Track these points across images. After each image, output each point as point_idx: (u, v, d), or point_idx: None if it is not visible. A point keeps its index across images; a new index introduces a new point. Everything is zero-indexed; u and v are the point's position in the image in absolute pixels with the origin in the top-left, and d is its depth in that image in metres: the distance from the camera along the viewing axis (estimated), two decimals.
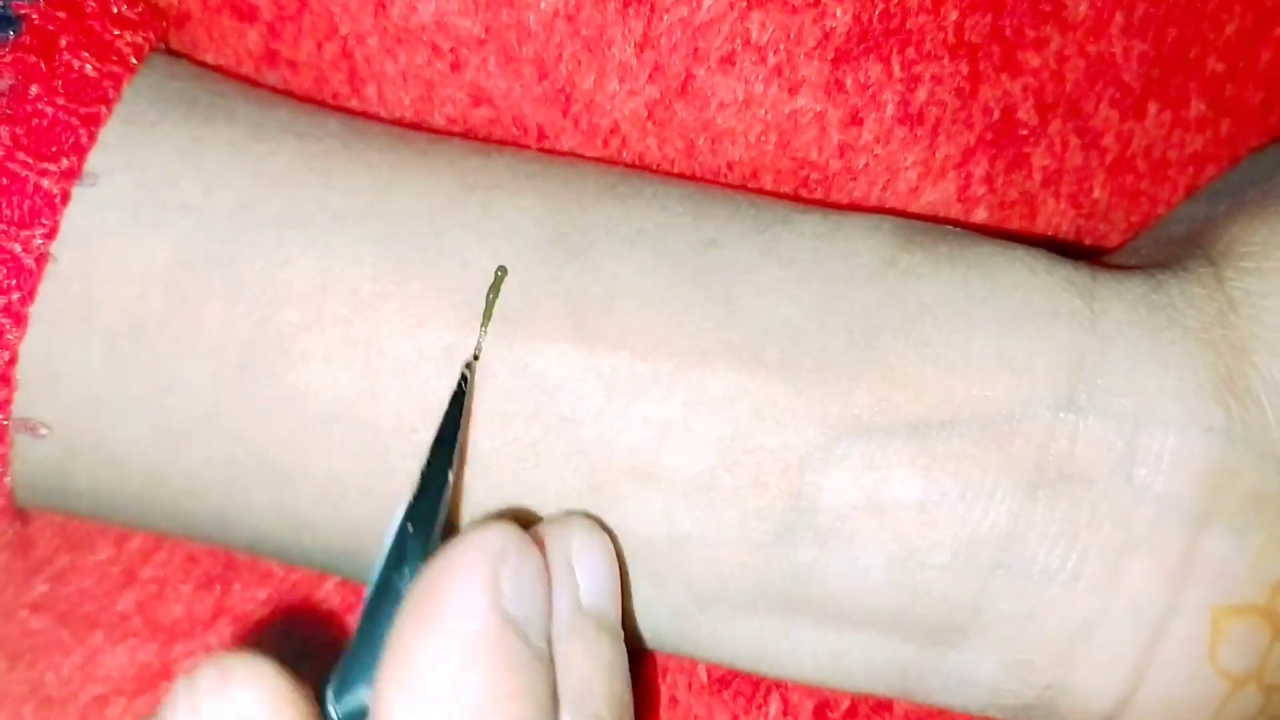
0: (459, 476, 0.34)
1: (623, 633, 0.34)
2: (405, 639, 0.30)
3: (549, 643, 0.32)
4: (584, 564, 0.34)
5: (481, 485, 0.35)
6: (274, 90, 0.40)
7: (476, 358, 0.34)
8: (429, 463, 0.33)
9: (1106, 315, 0.35)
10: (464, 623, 0.30)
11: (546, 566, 0.32)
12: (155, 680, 0.39)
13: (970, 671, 0.35)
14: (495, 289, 0.34)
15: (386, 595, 0.32)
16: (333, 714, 0.31)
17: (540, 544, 0.33)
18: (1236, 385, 0.34)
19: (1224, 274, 0.36)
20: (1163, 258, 0.38)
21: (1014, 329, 0.35)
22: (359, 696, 0.31)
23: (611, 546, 0.34)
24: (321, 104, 0.40)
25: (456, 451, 0.34)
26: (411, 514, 0.33)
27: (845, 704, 0.40)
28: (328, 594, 0.41)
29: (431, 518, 0.33)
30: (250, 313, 0.34)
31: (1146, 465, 0.34)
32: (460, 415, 0.34)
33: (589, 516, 0.34)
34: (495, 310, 0.34)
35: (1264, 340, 0.35)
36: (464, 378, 0.34)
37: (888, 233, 0.36)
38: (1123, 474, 0.34)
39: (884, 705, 0.40)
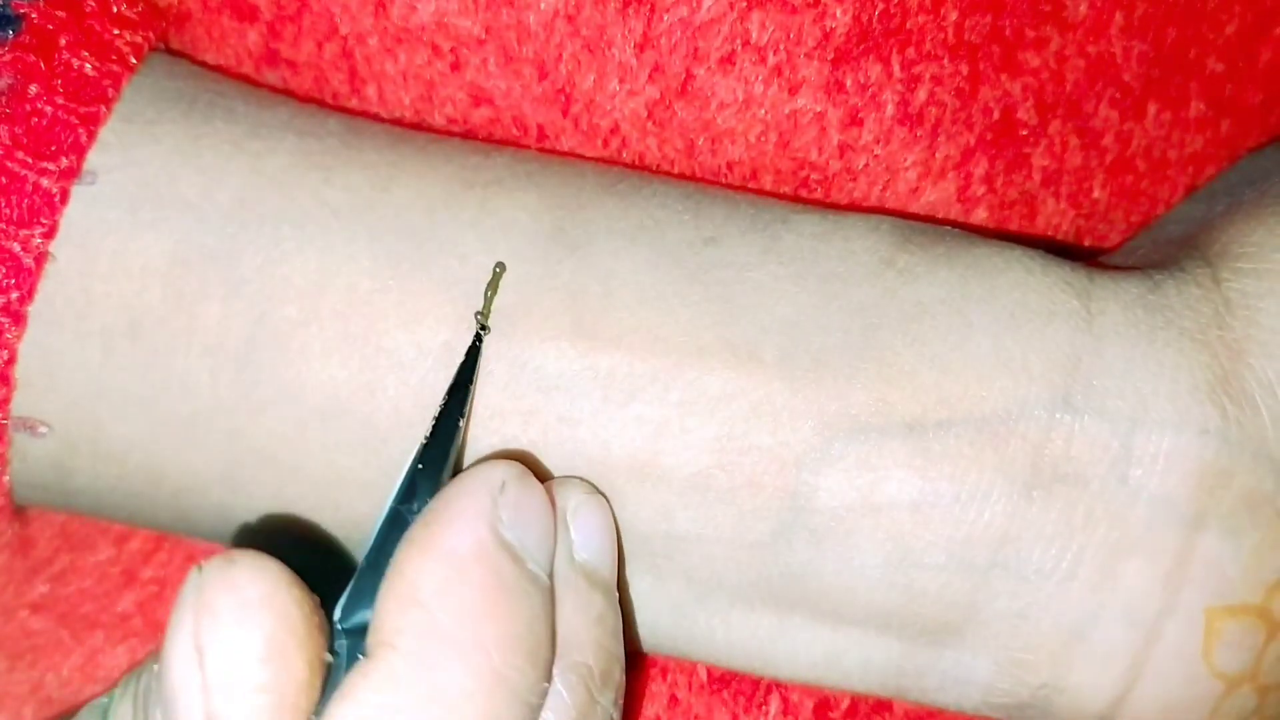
0: (468, 426, 0.35)
1: (616, 593, 0.34)
2: (404, 558, 0.31)
3: (551, 577, 0.33)
4: (580, 521, 0.34)
5: None
6: (274, 90, 0.40)
7: (484, 328, 0.34)
8: (442, 409, 0.34)
9: (1103, 316, 0.35)
10: (459, 540, 0.31)
11: (549, 505, 0.33)
12: None
13: (965, 670, 0.35)
14: (494, 285, 0.34)
15: (395, 526, 0.33)
16: (339, 630, 0.32)
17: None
18: (1232, 386, 0.34)
19: (1220, 275, 0.36)
20: (1160, 258, 0.38)
21: (1010, 329, 0.35)
22: (363, 617, 0.31)
23: (609, 510, 0.34)
24: (321, 104, 0.40)
25: (470, 400, 0.34)
26: (423, 454, 0.33)
27: (845, 703, 0.40)
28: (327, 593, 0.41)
29: (442, 460, 0.34)
30: (248, 309, 0.34)
31: (1142, 466, 0.34)
32: (475, 367, 0.34)
33: (588, 483, 0.35)
34: (493, 307, 0.34)
35: (1259, 342, 0.35)
36: (478, 335, 0.34)
37: (886, 233, 0.36)
38: (1118, 475, 0.34)
39: (884, 704, 0.40)
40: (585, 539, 0.34)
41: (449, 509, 0.31)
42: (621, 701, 0.34)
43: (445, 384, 0.34)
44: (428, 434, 0.34)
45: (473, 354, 0.34)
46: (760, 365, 0.34)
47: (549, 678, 0.32)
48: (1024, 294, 0.35)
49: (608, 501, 0.35)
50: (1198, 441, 0.34)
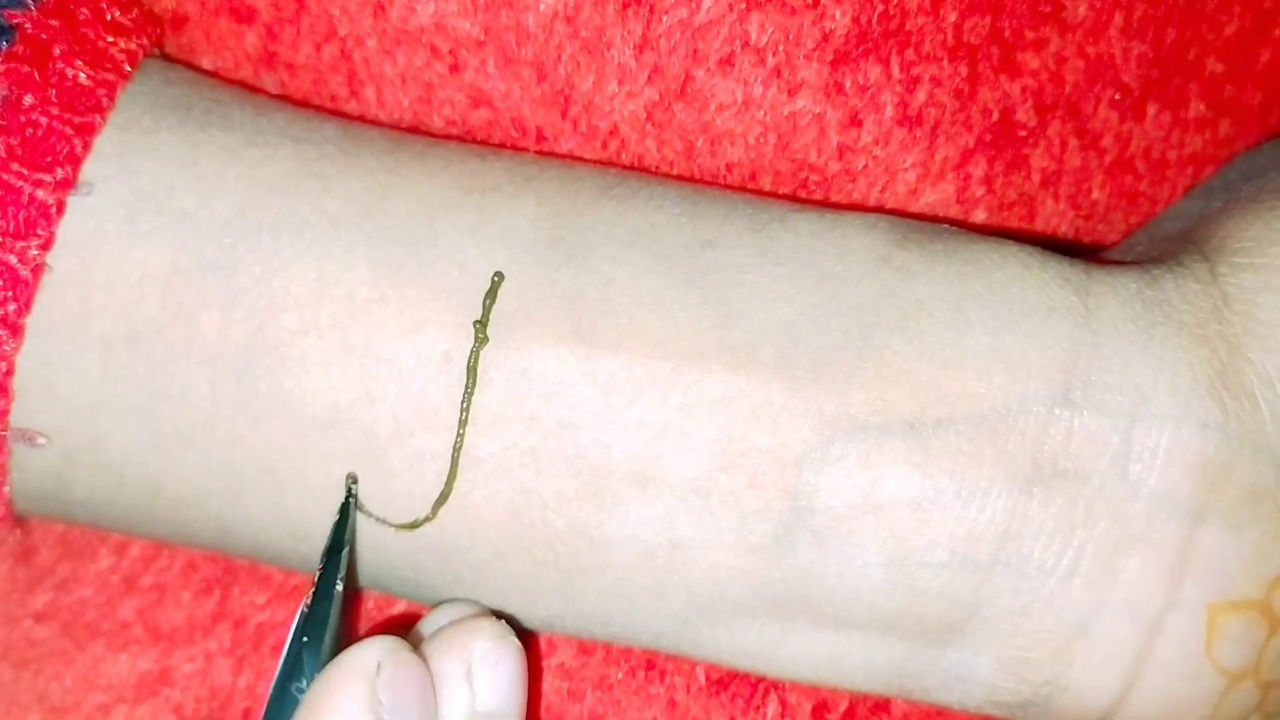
0: (351, 585, 0.35)
1: None
2: None
3: None
4: (483, 672, 0.34)
5: (480, 492, 0.35)
6: (272, 93, 0.40)
7: (484, 338, 0.34)
8: (320, 574, 0.34)
9: (1101, 311, 0.35)
10: None
11: (430, 676, 0.33)
12: (156, 687, 0.39)
13: (968, 669, 0.36)
14: (492, 295, 0.34)
15: (282, 705, 0.33)
16: None
17: (437, 651, 0.34)
18: (1231, 381, 0.34)
19: (1218, 269, 0.36)
20: (1158, 253, 0.38)
21: (1008, 325, 0.35)
22: None
23: (518, 652, 0.35)
24: (320, 106, 0.40)
25: (343, 561, 0.34)
26: (304, 627, 0.34)
27: (843, 705, 0.40)
28: None
29: (323, 628, 0.34)
30: (247, 319, 0.34)
31: (1142, 461, 0.34)
32: (347, 527, 0.35)
33: (499, 619, 0.35)
34: (492, 315, 0.34)
35: (1258, 336, 0.35)
36: (349, 490, 0.35)
37: (883, 230, 0.36)
38: (1118, 470, 0.34)
39: (882, 706, 0.40)
40: (488, 690, 0.34)
41: (329, 699, 0.32)
42: None
43: (445, 394, 0.34)
44: (306, 604, 0.34)
45: (344, 513, 0.35)
46: (759, 367, 0.34)
47: None
48: (1021, 290, 0.35)
49: (517, 643, 0.35)
50: (1198, 436, 0.34)
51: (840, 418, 0.34)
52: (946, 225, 0.38)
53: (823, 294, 0.35)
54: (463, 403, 0.34)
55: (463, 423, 0.34)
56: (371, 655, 0.32)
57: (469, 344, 0.34)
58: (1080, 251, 0.42)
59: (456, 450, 0.34)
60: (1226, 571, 0.34)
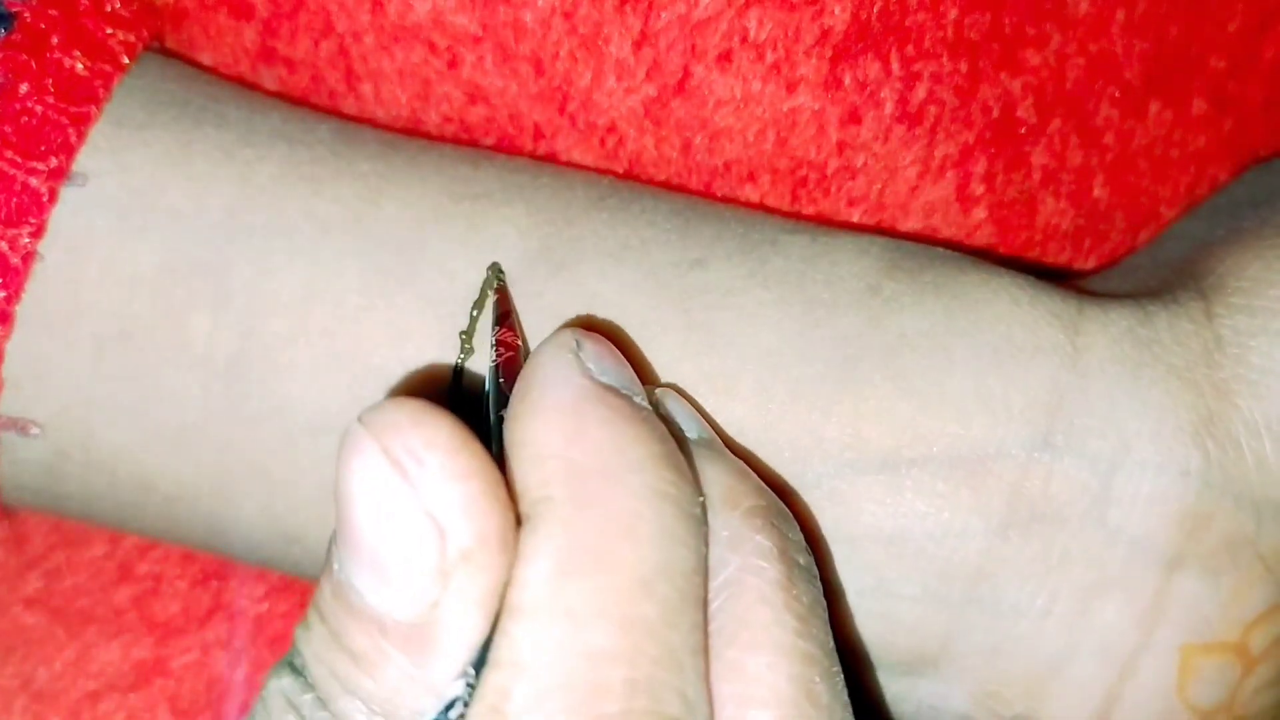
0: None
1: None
2: (517, 430, 0.30)
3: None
4: (670, 409, 0.33)
5: None
6: (269, 89, 0.40)
7: (469, 349, 0.34)
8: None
9: (1089, 351, 0.35)
10: (561, 393, 0.30)
11: (624, 360, 0.32)
12: (150, 676, 0.40)
13: (941, 700, 0.36)
14: (480, 306, 0.34)
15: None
16: None
17: None
18: (1217, 427, 0.34)
19: (1214, 309, 0.35)
20: (1156, 283, 0.37)
21: (993, 365, 0.34)
22: None
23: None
24: (318, 102, 0.40)
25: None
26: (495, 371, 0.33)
27: None
28: None
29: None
30: (237, 322, 0.34)
31: (1121, 507, 0.34)
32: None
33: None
34: (478, 327, 0.34)
35: (1248, 382, 0.34)
36: (459, 358, 0.34)
37: (875, 257, 0.36)
38: (1096, 515, 0.34)
39: None
40: (685, 424, 0.33)
41: (537, 374, 0.30)
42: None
43: None
44: (493, 358, 0.33)
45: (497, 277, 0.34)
46: (736, 399, 0.34)
47: (702, 493, 0.30)
48: (1009, 328, 0.35)
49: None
50: (1179, 483, 0.34)
51: (814, 451, 0.34)
52: (941, 249, 0.37)
53: (808, 321, 0.35)
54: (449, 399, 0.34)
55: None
56: (568, 336, 0.31)
57: (455, 355, 0.34)
58: (1080, 251, 0.42)
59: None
60: (1202, 615, 0.34)
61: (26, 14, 0.35)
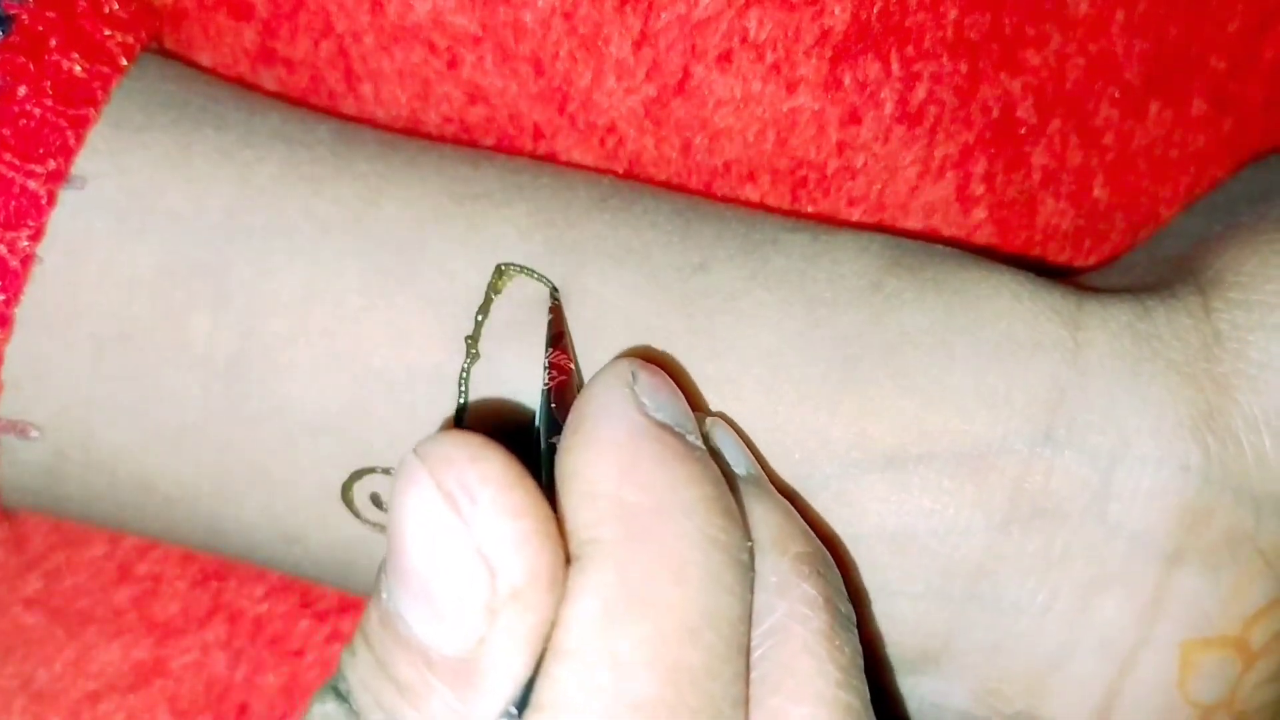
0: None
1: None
2: (569, 463, 0.30)
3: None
4: (719, 441, 0.33)
5: None
6: (269, 89, 0.40)
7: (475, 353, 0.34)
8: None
9: (1090, 347, 0.35)
10: (614, 429, 0.30)
11: (679, 390, 0.32)
12: (149, 677, 0.39)
13: (943, 696, 0.36)
14: (485, 310, 0.34)
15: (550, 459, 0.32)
16: None
17: None
18: (1216, 422, 0.34)
19: (1212, 304, 0.35)
20: (1154, 279, 0.37)
21: (995, 362, 0.34)
22: None
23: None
24: (317, 102, 0.40)
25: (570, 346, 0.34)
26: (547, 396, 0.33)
27: None
28: (325, 593, 0.41)
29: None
30: (236, 323, 0.34)
31: (1121, 502, 0.34)
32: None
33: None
34: (483, 330, 0.34)
35: (1247, 376, 0.34)
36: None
37: (875, 254, 0.36)
38: (1097, 510, 0.34)
39: None
40: (733, 457, 0.33)
41: (591, 407, 0.30)
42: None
43: (436, 407, 0.34)
44: (546, 382, 0.33)
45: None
46: (740, 402, 0.34)
47: (750, 539, 0.30)
48: (1010, 324, 0.35)
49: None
50: (1178, 478, 0.34)
51: (819, 452, 0.34)
52: (941, 247, 0.38)
53: (810, 321, 0.35)
54: (456, 415, 0.34)
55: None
56: (624, 366, 0.31)
57: (459, 357, 0.34)
58: (1080, 251, 0.42)
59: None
60: (1203, 611, 0.34)
61: (24, 16, 0.35)
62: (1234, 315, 0.35)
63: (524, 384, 0.34)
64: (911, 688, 0.36)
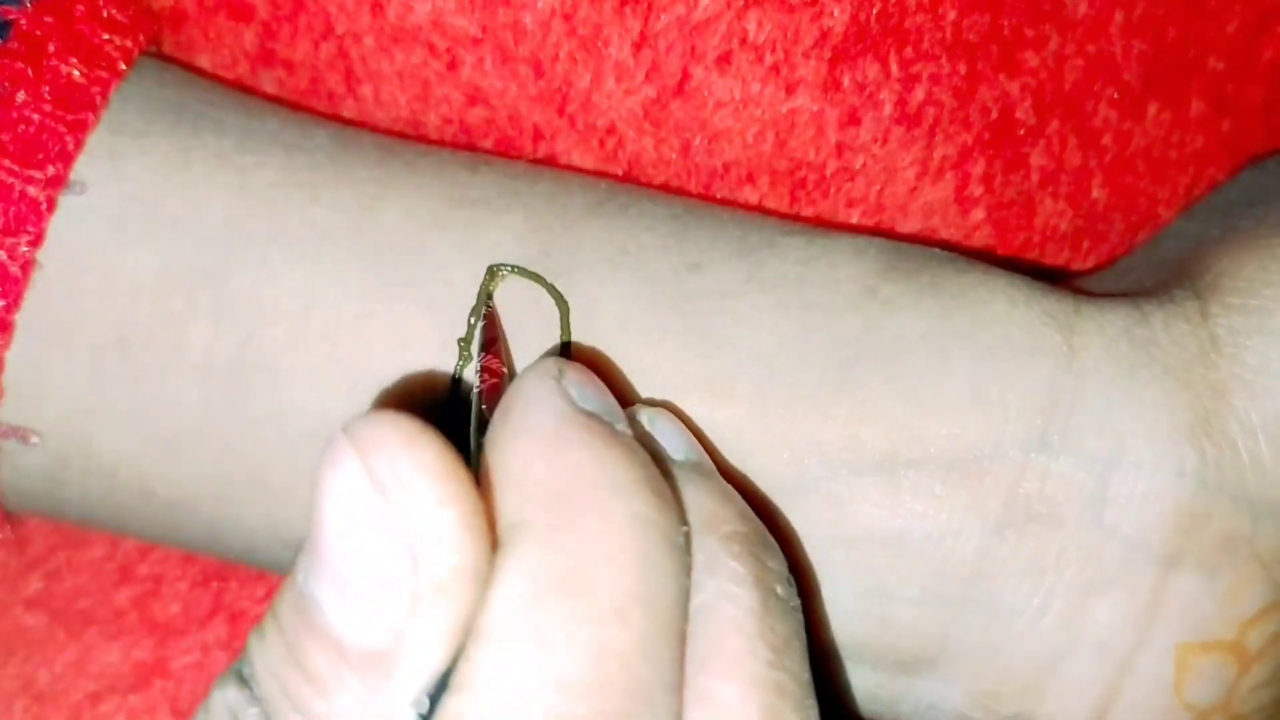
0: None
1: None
2: (497, 453, 0.29)
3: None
4: (660, 429, 0.33)
5: None
6: (269, 91, 0.40)
7: (467, 356, 0.34)
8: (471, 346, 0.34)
9: (1085, 351, 0.35)
10: (541, 418, 0.29)
11: (608, 390, 0.31)
12: (150, 678, 0.40)
13: (938, 699, 0.36)
14: (477, 313, 0.34)
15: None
16: None
17: None
18: (1212, 427, 0.34)
19: (1209, 309, 0.35)
20: (1151, 283, 0.37)
21: (990, 366, 0.34)
22: None
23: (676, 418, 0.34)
24: (317, 104, 0.40)
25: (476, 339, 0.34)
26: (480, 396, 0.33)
27: None
28: None
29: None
30: (236, 330, 0.34)
31: (1116, 507, 0.34)
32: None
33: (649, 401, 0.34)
34: (475, 333, 0.34)
35: (1243, 381, 0.34)
36: (459, 364, 0.34)
37: (872, 258, 0.36)
38: (1092, 515, 0.34)
39: None
40: (673, 445, 0.33)
41: (518, 400, 0.30)
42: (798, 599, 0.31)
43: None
44: (479, 387, 0.33)
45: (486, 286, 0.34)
46: (735, 401, 0.34)
47: (686, 522, 0.30)
48: (1006, 328, 0.35)
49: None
50: (1174, 483, 0.34)
51: (811, 454, 0.34)
52: (937, 250, 0.38)
53: (806, 324, 0.35)
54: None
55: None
56: (551, 364, 0.31)
57: (454, 361, 0.34)
58: (1079, 252, 0.42)
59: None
60: (1199, 614, 0.34)
61: (22, 21, 0.35)
62: (1231, 320, 0.35)
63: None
64: (907, 690, 0.36)
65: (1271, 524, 0.34)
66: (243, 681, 0.28)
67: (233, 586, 0.41)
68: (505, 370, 0.33)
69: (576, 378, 0.31)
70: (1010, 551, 0.34)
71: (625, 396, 0.33)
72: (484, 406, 0.32)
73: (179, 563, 0.41)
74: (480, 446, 0.30)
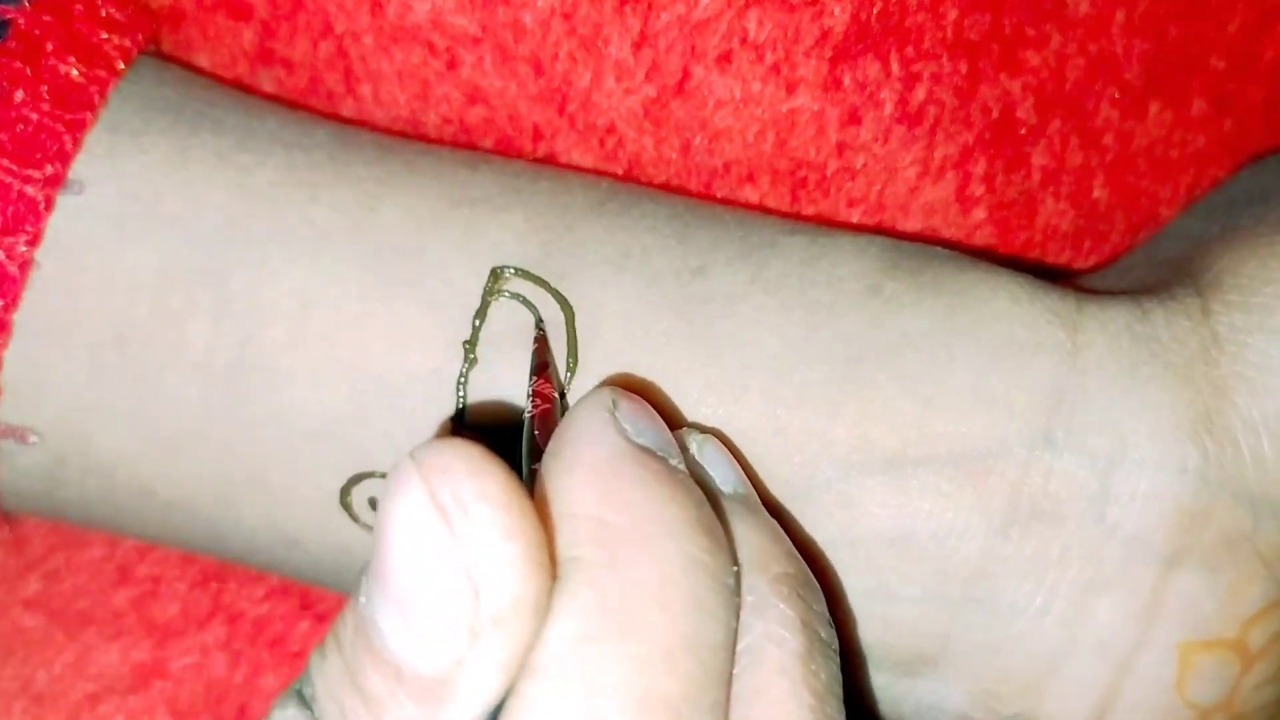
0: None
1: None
2: (551, 486, 0.29)
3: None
4: (708, 458, 0.33)
5: None
6: (268, 90, 0.40)
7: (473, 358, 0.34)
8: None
9: (1089, 349, 0.35)
10: (596, 451, 0.29)
11: (660, 419, 0.32)
12: (149, 679, 0.40)
13: (940, 699, 0.36)
14: (481, 315, 0.34)
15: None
16: None
17: None
18: (1215, 425, 0.34)
19: (1211, 306, 0.35)
20: (1153, 281, 0.37)
21: (994, 364, 0.34)
22: None
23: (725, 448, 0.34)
24: (316, 103, 0.40)
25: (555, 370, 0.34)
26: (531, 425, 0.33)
27: None
28: (325, 595, 0.41)
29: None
30: (235, 329, 0.34)
31: (1119, 505, 0.34)
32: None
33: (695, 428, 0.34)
34: (481, 335, 0.34)
35: (1245, 379, 0.34)
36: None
37: (874, 257, 0.36)
38: (1095, 513, 0.34)
39: None
40: (721, 476, 0.33)
41: (572, 431, 0.30)
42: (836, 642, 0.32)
43: (435, 412, 0.34)
44: (529, 411, 0.33)
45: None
46: (743, 406, 0.34)
47: (737, 562, 0.30)
48: (1009, 326, 0.35)
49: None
50: (1176, 481, 0.34)
51: (820, 455, 0.34)
52: (939, 248, 0.37)
53: (810, 325, 0.35)
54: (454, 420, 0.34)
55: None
56: (605, 394, 0.31)
57: (457, 362, 0.34)
58: (1080, 252, 0.42)
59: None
60: (1201, 613, 0.34)
61: (20, 20, 0.35)
62: (1233, 318, 0.35)
63: (522, 388, 0.34)
64: (909, 690, 0.36)
65: (1273, 521, 0.34)
66: (303, 701, 0.28)
67: (232, 587, 0.40)
68: (557, 396, 0.33)
69: (630, 409, 0.31)
70: (1013, 550, 0.34)
71: (671, 420, 0.33)
72: (536, 433, 0.32)
73: (178, 563, 0.41)
74: (532, 475, 0.30)
